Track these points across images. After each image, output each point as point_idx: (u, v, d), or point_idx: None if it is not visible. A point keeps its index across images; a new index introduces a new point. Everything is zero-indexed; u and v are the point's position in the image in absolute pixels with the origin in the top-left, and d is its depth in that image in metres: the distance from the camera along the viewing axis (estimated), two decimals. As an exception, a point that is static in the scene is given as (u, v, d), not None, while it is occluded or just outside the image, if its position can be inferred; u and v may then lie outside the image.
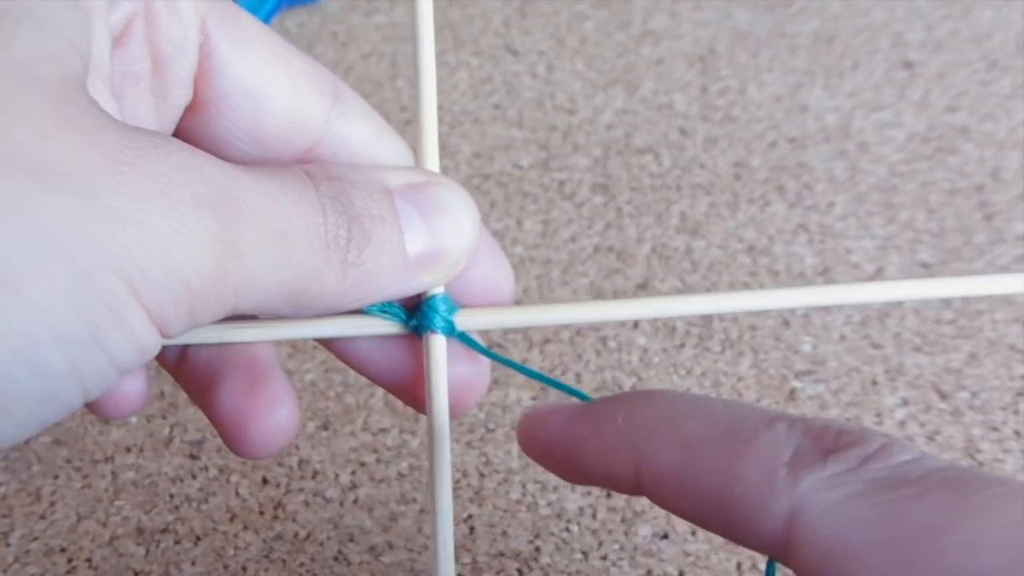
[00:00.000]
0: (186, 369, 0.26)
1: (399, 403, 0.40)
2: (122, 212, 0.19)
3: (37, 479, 0.39)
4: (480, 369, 0.27)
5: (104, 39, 0.23)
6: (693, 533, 0.36)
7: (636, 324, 0.43)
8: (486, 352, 0.27)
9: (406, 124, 0.53)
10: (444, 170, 0.50)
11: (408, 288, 0.25)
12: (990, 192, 0.48)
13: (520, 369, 0.28)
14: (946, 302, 0.44)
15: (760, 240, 0.46)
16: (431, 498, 0.26)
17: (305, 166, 0.24)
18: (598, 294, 0.44)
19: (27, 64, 0.20)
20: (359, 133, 0.26)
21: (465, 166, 0.50)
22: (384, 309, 0.26)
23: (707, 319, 0.43)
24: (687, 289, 0.44)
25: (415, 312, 0.26)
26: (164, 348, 0.25)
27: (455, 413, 0.27)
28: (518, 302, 0.44)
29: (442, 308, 0.26)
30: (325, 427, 0.40)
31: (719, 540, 0.36)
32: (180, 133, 0.26)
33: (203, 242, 0.20)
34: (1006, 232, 0.46)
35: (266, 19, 0.57)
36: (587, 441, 0.24)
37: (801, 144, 0.51)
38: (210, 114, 0.25)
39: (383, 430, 0.40)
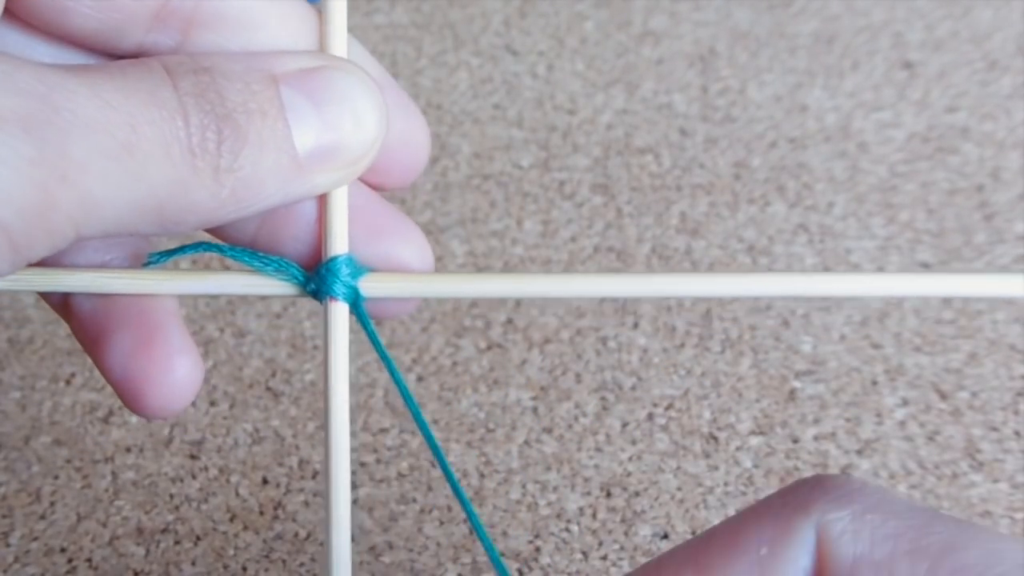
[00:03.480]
0: (72, 315, 0.23)
1: (399, 403, 0.40)
2: None
3: (37, 479, 0.39)
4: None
5: None
6: (693, 533, 0.36)
7: (636, 324, 0.43)
8: (373, 338, 0.23)
9: (406, 124, 0.53)
10: (444, 169, 0.50)
11: (301, 191, 0.21)
12: (990, 192, 0.48)
13: (395, 377, 0.24)
14: (946, 302, 0.44)
15: (760, 240, 0.46)
16: (325, 485, 0.23)
17: (166, 59, 0.20)
18: (598, 294, 0.44)
19: None
20: None
21: (465, 166, 0.50)
22: (280, 267, 0.23)
23: (707, 319, 0.43)
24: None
25: (314, 274, 0.23)
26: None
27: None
28: (520, 301, 0.44)
29: (344, 272, 0.22)
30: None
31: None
32: (14, 9, 0.21)
33: (13, 168, 0.18)
34: (1006, 232, 0.46)
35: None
36: None
37: (801, 144, 0.51)
38: None
39: (383, 430, 0.40)
